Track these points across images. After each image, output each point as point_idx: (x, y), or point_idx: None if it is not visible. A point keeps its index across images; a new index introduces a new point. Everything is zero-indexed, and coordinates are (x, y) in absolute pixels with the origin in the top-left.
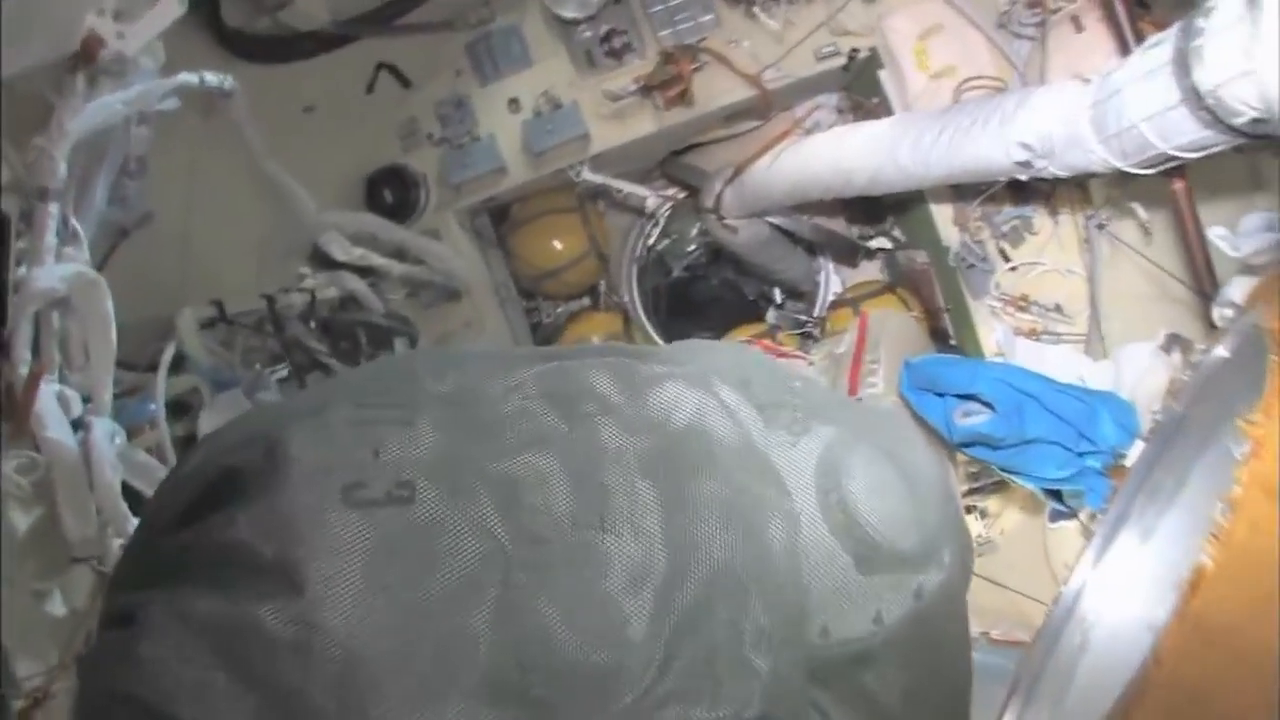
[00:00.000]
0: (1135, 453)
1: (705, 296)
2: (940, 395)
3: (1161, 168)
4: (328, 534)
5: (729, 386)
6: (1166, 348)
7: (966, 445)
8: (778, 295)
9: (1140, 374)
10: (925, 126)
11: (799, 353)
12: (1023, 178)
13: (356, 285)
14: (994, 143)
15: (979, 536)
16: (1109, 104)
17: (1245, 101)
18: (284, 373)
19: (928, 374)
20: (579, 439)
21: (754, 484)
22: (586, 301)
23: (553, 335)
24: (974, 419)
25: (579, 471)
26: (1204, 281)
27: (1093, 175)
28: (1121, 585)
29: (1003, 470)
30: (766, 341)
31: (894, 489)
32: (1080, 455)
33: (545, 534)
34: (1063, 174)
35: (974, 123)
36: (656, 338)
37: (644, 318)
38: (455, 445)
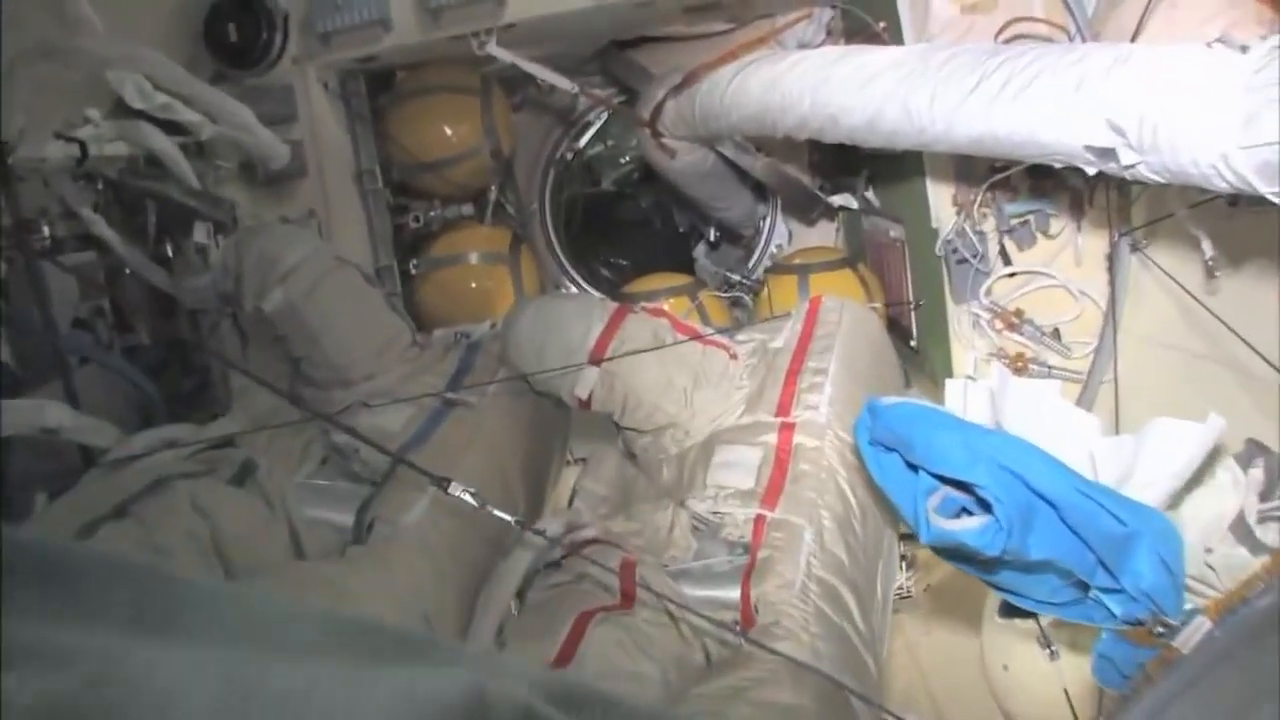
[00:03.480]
0: (1192, 630)
1: (629, 218)
2: (913, 466)
3: None
4: None
5: None
6: (1244, 460)
7: (939, 550)
8: (712, 234)
9: (1177, 471)
10: (960, 67)
11: (719, 339)
12: (1089, 170)
13: (160, 143)
14: (1065, 111)
15: (898, 588)
16: None
17: None
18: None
19: (900, 431)
20: None
21: None
22: (469, 209)
23: (420, 243)
24: (959, 524)
25: None
26: None
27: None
28: None
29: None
30: (671, 308)
31: None
32: (1085, 586)
33: None
34: (1152, 178)
35: (1038, 75)
36: (561, 257)
37: (551, 232)
38: None
